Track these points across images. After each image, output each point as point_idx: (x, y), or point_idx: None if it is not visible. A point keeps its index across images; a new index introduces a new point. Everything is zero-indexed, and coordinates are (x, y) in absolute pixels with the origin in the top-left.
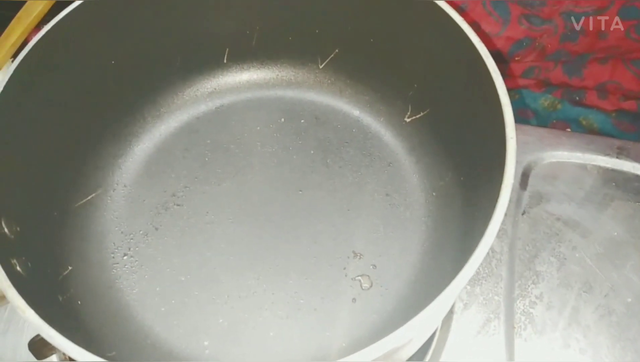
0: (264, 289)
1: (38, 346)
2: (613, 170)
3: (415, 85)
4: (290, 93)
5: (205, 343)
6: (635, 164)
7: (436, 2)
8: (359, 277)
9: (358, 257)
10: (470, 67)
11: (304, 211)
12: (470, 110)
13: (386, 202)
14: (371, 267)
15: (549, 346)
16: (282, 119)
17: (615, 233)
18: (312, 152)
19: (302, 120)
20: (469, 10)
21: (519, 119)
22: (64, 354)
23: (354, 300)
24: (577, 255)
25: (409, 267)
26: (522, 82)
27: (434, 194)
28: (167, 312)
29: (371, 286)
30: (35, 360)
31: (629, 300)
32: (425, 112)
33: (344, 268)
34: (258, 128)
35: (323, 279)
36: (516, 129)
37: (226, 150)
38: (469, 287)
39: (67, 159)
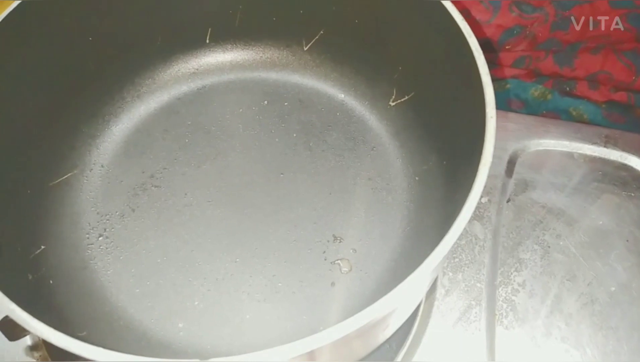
0: (241, 272)
1: (9, 326)
2: (600, 159)
3: (400, 68)
4: (273, 75)
5: (180, 325)
6: (623, 153)
7: None
8: (339, 261)
9: (338, 241)
10: (453, 46)
11: (285, 195)
12: (454, 92)
13: (368, 187)
14: (351, 251)
15: (530, 333)
16: (265, 102)
17: (601, 222)
18: (294, 135)
19: (286, 103)
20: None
21: (509, 109)
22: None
23: (332, 284)
24: (561, 243)
25: (389, 252)
26: (512, 72)
27: (416, 178)
28: (141, 294)
29: (350, 270)
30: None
31: (613, 289)
32: (410, 95)
33: (324, 252)
34: (240, 110)
35: (302, 263)
36: (503, 117)
37: (207, 132)
38: (450, 273)
39: (42, 137)
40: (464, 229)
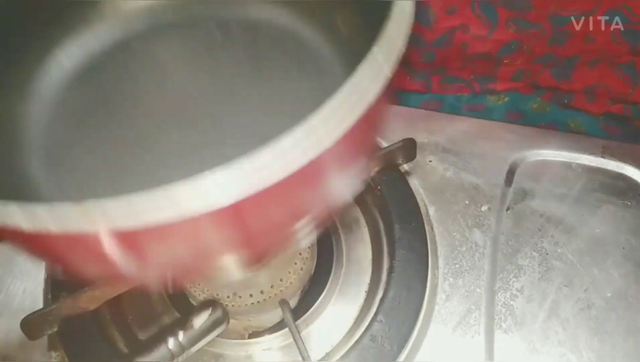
0: None
1: (31, 325)
2: (598, 169)
3: None
4: (224, 7)
5: None
6: (620, 163)
7: None
8: None
9: None
10: None
11: (230, 117)
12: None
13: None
14: None
15: (528, 337)
16: (216, 32)
17: (598, 230)
18: (244, 63)
19: (236, 33)
20: (458, 12)
21: (509, 121)
22: None
23: None
24: (559, 250)
25: None
26: (511, 84)
27: None
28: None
29: None
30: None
31: (609, 295)
32: (357, 16)
33: None
34: (190, 40)
35: None
36: (503, 128)
37: (156, 62)
38: (451, 279)
39: None
40: (465, 236)
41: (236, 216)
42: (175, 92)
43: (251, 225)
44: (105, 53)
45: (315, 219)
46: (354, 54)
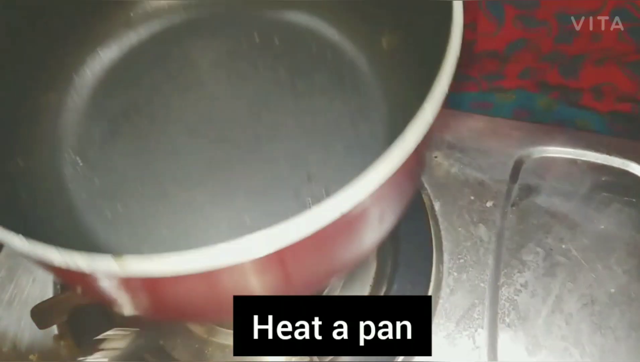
0: (211, 204)
1: (41, 314)
2: (603, 166)
3: (392, 11)
4: (267, 12)
5: (144, 250)
6: (625, 161)
7: None
8: (309, 201)
9: (312, 180)
10: None
11: (264, 131)
12: (436, 39)
13: (351, 129)
14: (324, 192)
15: (531, 331)
16: (256, 38)
17: (602, 227)
18: (282, 72)
19: (276, 40)
20: (464, 10)
21: (516, 119)
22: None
23: None
24: (563, 246)
25: None
26: (518, 82)
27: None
28: (111, 217)
29: None
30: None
31: (612, 291)
32: (403, 40)
33: (296, 190)
34: (230, 45)
35: (272, 200)
36: (509, 124)
37: (194, 64)
38: (455, 274)
39: (31, 55)
40: (470, 231)
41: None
42: (210, 99)
43: (291, 272)
44: (142, 51)
45: (349, 266)
46: (392, 70)
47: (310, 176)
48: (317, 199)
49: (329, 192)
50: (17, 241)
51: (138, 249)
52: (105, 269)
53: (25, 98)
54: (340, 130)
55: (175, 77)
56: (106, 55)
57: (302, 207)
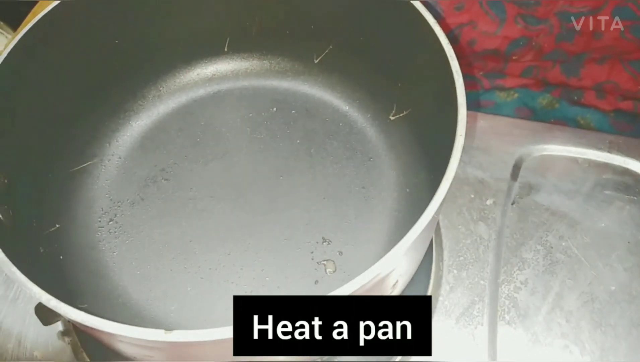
0: (233, 264)
1: (44, 311)
2: (604, 164)
3: (399, 85)
4: (284, 84)
5: (172, 308)
6: (626, 159)
7: (412, 2)
8: (324, 262)
9: (326, 243)
10: (441, 69)
11: (282, 196)
12: (442, 110)
13: (361, 195)
14: (337, 253)
15: (531, 329)
16: (274, 108)
17: (603, 224)
18: (298, 141)
19: (293, 111)
20: (466, 9)
21: (518, 117)
22: (68, 320)
23: (316, 282)
24: (563, 244)
25: (373, 257)
26: (520, 81)
27: (407, 190)
28: (141, 276)
29: (335, 271)
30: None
31: (613, 288)
32: (408, 111)
33: (312, 252)
34: (250, 115)
35: (290, 261)
36: (510, 123)
37: (217, 133)
38: (455, 271)
39: (67, 127)
40: (470, 229)
41: None
42: (232, 166)
43: None
44: (170, 121)
45: None
46: (399, 139)
47: (325, 239)
48: (332, 261)
49: (343, 255)
50: (76, 315)
51: (166, 306)
52: (154, 339)
53: (64, 168)
54: (351, 195)
55: (200, 145)
56: (137, 125)
57: (317, 269)
